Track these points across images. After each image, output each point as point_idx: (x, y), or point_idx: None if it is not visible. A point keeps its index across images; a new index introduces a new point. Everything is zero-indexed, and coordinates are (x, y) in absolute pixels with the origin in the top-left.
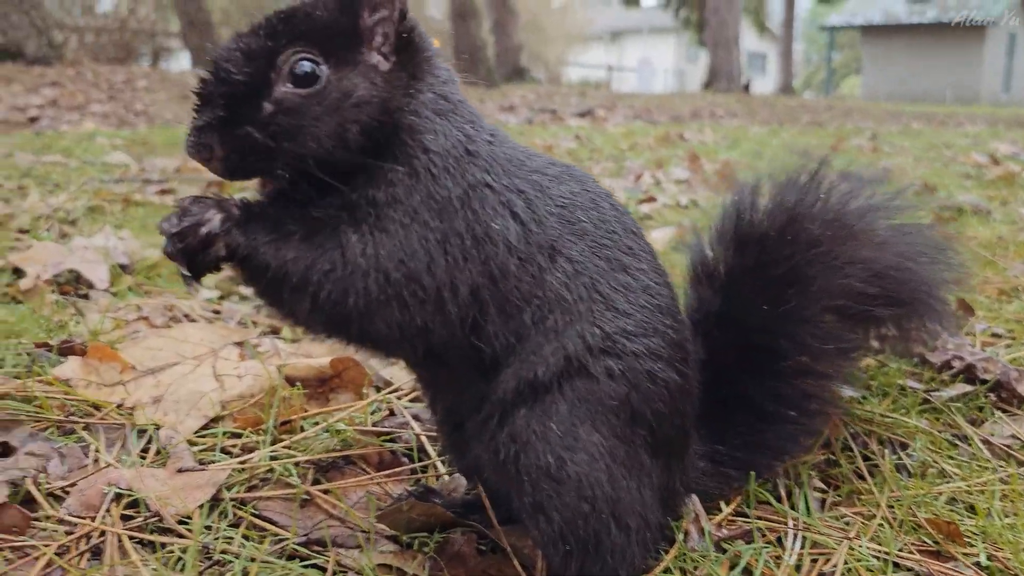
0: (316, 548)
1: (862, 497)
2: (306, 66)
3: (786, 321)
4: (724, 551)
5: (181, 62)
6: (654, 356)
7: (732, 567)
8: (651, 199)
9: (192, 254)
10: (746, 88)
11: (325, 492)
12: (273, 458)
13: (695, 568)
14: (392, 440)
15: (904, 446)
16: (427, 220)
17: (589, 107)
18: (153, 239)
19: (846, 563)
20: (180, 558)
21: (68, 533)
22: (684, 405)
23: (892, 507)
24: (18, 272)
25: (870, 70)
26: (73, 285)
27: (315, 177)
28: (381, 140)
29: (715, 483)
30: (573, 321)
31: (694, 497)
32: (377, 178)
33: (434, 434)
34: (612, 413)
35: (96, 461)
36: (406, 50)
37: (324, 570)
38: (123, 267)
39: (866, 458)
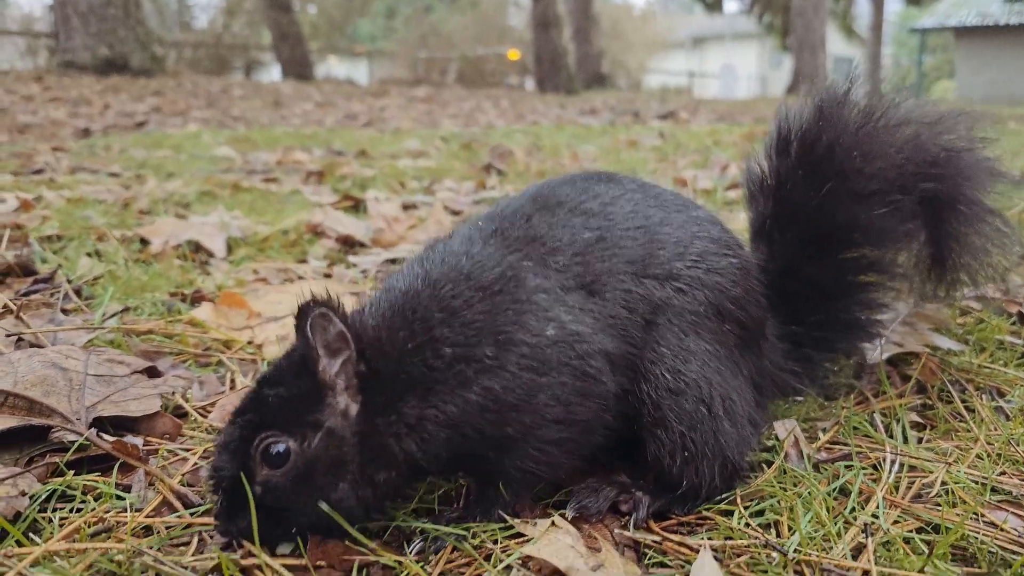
0: None
1: (959, 434)
2: (275, 448)
3: (833, 200)
4: (822, 473)
5: (272, 74)
6: (705, 255)
7: (830, 485)
8: (738, 186)
9: None
10: None
11: None
12: None
13: (795, 484)
14: None
15: (1002, 394)
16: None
17: (671, 109)
18: (262, 218)
19: (943, 484)
20: None
21: (213, 442)
22: (750, 282)
23: (991, 444)
24: (144, 242)
25: (964, 73)
26: (194, 254)
27: None
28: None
29: (798, 366)
30: (640, 276)
31: (792, 421)
32: None
33: None
34: (704, 317)
35: (233, 385)
36: (373, 378)
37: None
38: (238, 240)
39: (963, 402)
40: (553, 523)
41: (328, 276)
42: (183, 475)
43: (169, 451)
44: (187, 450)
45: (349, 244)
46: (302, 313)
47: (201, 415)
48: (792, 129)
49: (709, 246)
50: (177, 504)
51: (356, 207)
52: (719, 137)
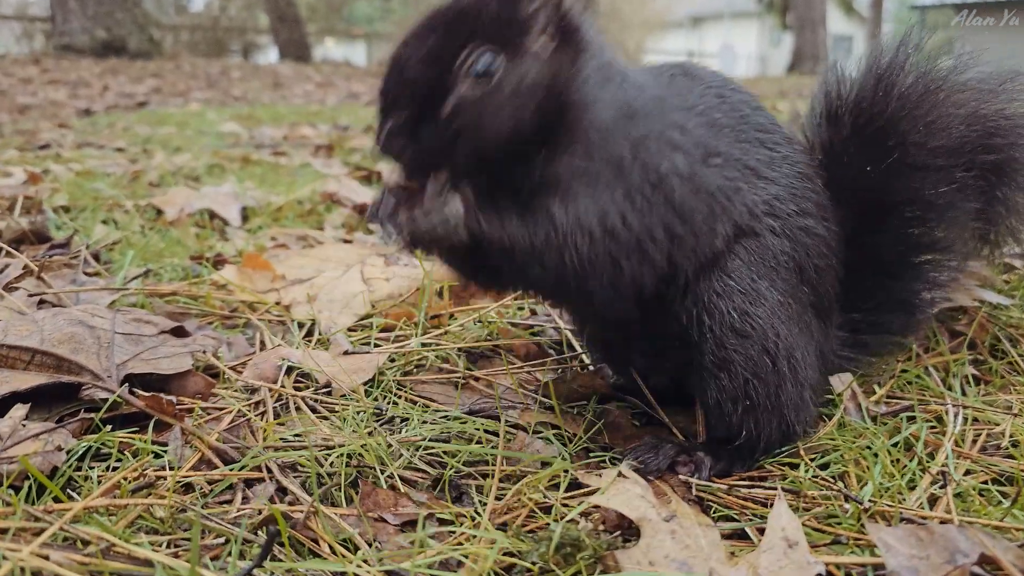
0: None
1: (1017, 388)
2: (483, 63)
3: (892, 176)
4: (883, 427)
5: (270, 56)
6: (805, 214)
7: (892, 438)
8: None
9: (437, 241)
10: None
11: (477, 379)
12: (424, 346)
13: (857, 437)
14: (537, 334)
15: None
16: (609, 181)
17: None
18: (275, 189)
19: (1011, 436)
20: (354, 419)
21: (248, 400)
22: (834, 259)
23: None
24: (159, 211)
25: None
26: (209, 222)
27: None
28: (554, 118)
29: (854, 352)
30: (733, 197)
31: (847, 375)
32: (557, 155)
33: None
34: (783, 268)
35: (263, 346)
36: (566, 31)
37: (490, 430)
38: (253, 209)
39: (1019, 356)
40: (620, 473)
41: (348, 242)
42: (220, 432)
43: (203, 409)
44: (221, 408)
45: (366, 213)
46: None
47: (234, 373)
48: (844, 96)
49: (813, 209)
50: (216, 461)
51: (368, 179)
52: None
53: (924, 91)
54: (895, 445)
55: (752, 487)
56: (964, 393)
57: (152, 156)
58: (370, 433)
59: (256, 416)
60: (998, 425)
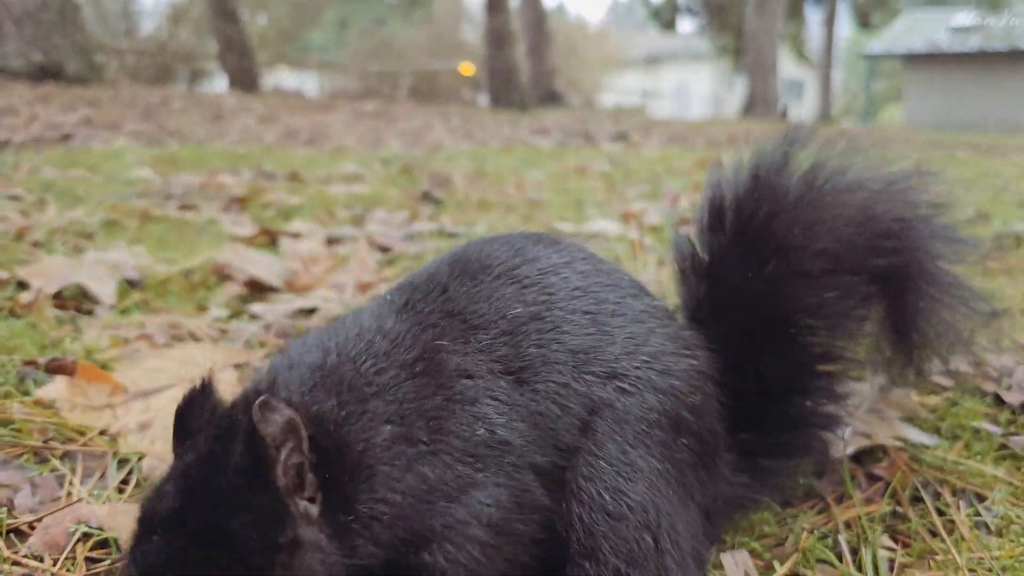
0: None
1: (937, 558)
2: None
3: (776, 282)
4: None
5: (218, 84)
6: (661, 354)
7: None
8: (689, 222)
9: None
10: (783, 115)
11: None
12: None
13: None
14: None
15: (981, 498)
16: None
17: (623, 131)
18: (167, 254)
19: None
20: None
21: None
22: (708, 388)
23: (974, 572)
24: (23, 285)
25: (912, 98)
26: (78, 300)
27: None
28: None
29: (748, 477)
30: (581, 369)
31: (743, 553)
32: None
33: None
34: (655, 427)
35: (70, 495)
36: (325, 465)
37: None
38: (132, 283)
39: (939, 512)
40: None
41: (224, 332)
42: None
43: None
44: None
45: (259, 288)
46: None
47: (20, 535)
48: (727, 199)
49: (666, 344)
50: None
51: (274, 241)
52: (671, 163)
53: (805, 190)
54: None
55: None
56: (877, 571)
57: (46, 208)
58: None
59: None
60: None
